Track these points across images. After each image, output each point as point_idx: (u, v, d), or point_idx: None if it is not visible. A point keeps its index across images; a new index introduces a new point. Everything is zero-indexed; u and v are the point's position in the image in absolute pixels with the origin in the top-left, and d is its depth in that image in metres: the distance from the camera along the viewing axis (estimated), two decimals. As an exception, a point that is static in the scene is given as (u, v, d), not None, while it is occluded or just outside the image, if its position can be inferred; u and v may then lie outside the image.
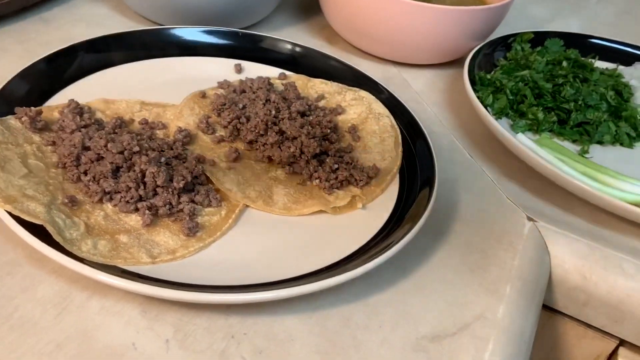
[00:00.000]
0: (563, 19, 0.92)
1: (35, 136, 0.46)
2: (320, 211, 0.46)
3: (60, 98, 0.52)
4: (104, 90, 0.54)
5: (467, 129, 0.61)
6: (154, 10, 0.68)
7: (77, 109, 0.49)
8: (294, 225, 0.45)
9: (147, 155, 0.44)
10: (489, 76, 0.63)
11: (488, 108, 0.59)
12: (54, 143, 0.46)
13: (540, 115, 0.58)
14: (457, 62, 0.71)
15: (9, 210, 0.37)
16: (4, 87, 0.48)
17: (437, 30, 0.64)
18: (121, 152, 0.44)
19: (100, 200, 0.42)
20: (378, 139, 0.55)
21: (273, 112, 0.52)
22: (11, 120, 0.46)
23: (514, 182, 0.55)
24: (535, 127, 0.59)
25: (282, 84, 0.59)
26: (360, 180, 0.49)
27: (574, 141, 0.60)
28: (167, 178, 0.43)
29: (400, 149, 0.53)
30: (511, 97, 0.60)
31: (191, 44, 0.62)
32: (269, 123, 0.51)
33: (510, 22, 0.73)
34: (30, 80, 0.51)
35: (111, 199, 0.42)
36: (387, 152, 0.53)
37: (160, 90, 0.56)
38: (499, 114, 0.60)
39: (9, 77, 0.49)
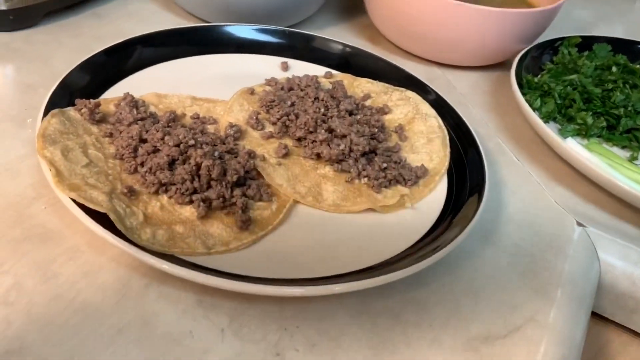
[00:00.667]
0: (608, 23, 0.91)
1: (93, 127, 0.47)
2: (369, 209, 0.47)
3: (115, 91, 0.53)
4: (156, 84, 0.55)
5: (513, 132, 0.61)
6: (201, 8, 0.69)
7: (133, 102, 0.50)
8: (343, 222, 0.46)
9: (202, 148, 0.45)
10: (536, 79, 0.63)
11: (536, 111, 0.59)
12: (111, 135, 0.47)
13: (589, 120, 0.58)
14: (501, 65, 0.71)
15: (73, 198, 0.39)
16: (63, 80, 0.50)
17: (485, 33, 0.64)
18: (177, 145, 0.45)
19: (157, 192, 0.43)
20: (425, 140, 0.55)
21: (322, 110, 0.52)
22: (71, 111, 0.47)
23: (563, 187, 0.54)
24: (583, 132, 0.58)
25: (330, 83, 0.59)
26: (409, 180, 0.49)
27: (623, 147, 0.59)
28: (222, 172, 0.43)
29: (448, 150, 0.53)
30: (559, 102, 0.60)
31: (239, 41, 0.63)
32: (318, 121, 0.51)
33: (556, 25, 0.72)
34: (88, 73, 0.52)
35: (167, 190, 0.43)
36: (435, 153, 0.53)
37: (209, 86, 0.57)
38: (546, 118, 0.59)
39: (66, 70, 0.51)
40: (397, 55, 0.71)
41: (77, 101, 0.48)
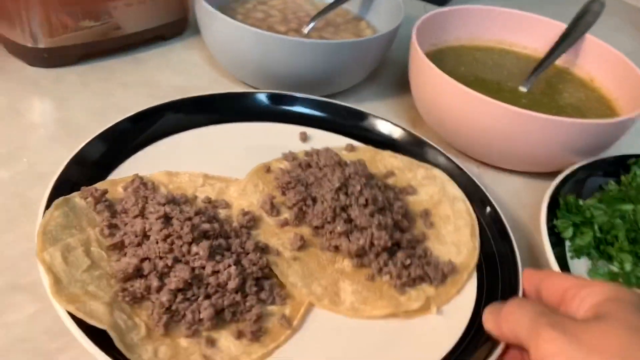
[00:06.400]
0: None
1: (98, 217, 0.44)
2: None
3: (129, 165, 0.51)
4: (170, 156, 0.53)
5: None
6: (242, 72, 0.67)
7: (141, 186, 0.47)
8: (362, 330, 0.42)
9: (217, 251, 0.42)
10: (581, 202, 0.51)
11: (566, 242, 0.50)
12: (116, 226, 0.44)
13: (628, 266, 0.47)
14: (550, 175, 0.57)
15: (71, 311, 0.36)
16: (68, 165, 0.47)
17: (546, 142, 0.55)
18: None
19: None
20: (452, 227, 0.51)
21: (341, 196, 0.49)
22: (76, 198, 0.45)
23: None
24: (619, 279, 0.47)
25: (349, 159, 0.55)
26: (435, 279, 0.45)
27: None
28: (242, 281, 0.40)
29: (477, 241, 0.50)
30: (599, 235, 0.49)
31: (257, 109, 0.60)
32: (337, 209, 0.48)
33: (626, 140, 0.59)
34: (98, 149, 0.50)
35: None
36: (463, 244, 0.49)
37: (224, 158, 0.54)
38: (577, 252, 0.49)
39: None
40: (435, 144, 0.60)
41: (83, 189, 0.45)
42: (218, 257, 0.41)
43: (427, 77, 0.60)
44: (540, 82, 0.66)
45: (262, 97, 0.60)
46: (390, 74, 0.76)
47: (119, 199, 0.47)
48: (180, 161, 0.52)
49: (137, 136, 0.53)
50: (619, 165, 0.58)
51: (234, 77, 0.69)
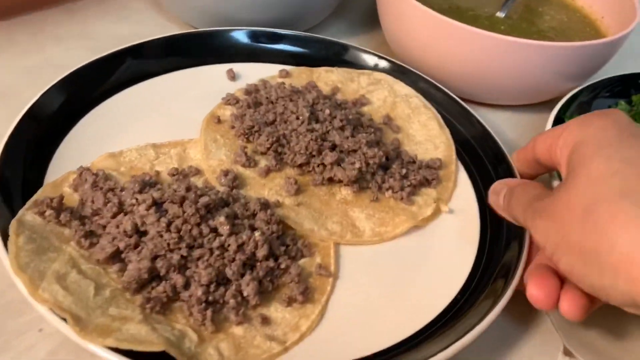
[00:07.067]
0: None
1: (66, 229, 0.37)
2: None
3: (56, 161, 0.42)
4: (96, 136, 0.45)
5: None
6: (192, 13, 0.59)
7: (97, 180, 0.40)
8: (390, 252, 0.41)
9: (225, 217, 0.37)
10: None
11: None
12: (92, 233, 0.37)
13: None
14: (543, 106, 0.56)
15: (112, 346, 0.30)
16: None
17: (534, 69, 0.51)
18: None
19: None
20: (417, 124, 0.51)
21: (315, 125, 0.46)
22: (27, 216, 0.36)
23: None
24: None
25: (302, 87, 0.51)
26: (433, 179, 0.45)
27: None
28: (269, 247, 0.36)
29: (447, 131, 0.50)
30: None
31: (170, 56, 0.53)
32: (318, 139, 0.45)
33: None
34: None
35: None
36: (436, 138, 0.50)
37: (160, 120, 0.48)
38: None
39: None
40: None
41: (35, 202, 0.36)
42: (234, 229, 0.37)
43: (397, 7, 0.55)
44: (518, 7, 0.62)
45: (176, 41, 0.53)
46: (359, 8, 0.70)
47: (76, 203, 0.39)
48: (110, 138, 0.45)
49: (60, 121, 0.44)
50: (628, 84, 0.54)
51: (182, 22, 0.62)
